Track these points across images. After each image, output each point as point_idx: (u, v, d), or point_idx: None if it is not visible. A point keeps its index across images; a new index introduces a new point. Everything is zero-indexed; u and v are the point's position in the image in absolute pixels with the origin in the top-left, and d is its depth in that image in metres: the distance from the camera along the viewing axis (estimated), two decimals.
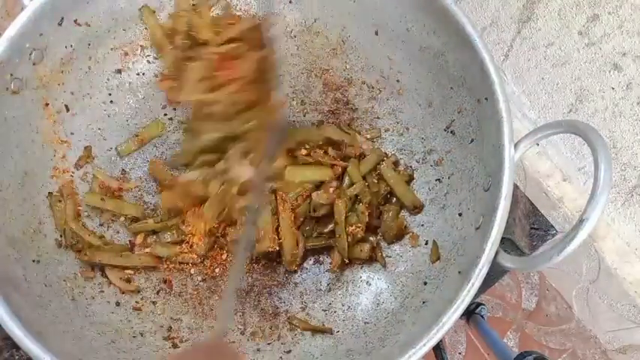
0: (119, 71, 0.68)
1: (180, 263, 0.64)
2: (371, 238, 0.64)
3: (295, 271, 0.64)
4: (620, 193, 0.97)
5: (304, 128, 0.69)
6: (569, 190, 1.06)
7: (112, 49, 0.66)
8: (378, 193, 0.65)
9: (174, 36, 0.59)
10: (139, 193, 0.67)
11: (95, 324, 0.56)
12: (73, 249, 0.60)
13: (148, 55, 0.69)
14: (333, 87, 0.70)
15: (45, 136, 0.62)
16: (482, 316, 0.75)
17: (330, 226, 0.63)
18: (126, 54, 0.68)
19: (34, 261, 0.56)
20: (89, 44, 0.64)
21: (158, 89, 0.69)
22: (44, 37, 0.58)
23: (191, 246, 0.64)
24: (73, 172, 0.64)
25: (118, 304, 0.60)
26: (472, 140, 0.59)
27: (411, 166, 0.67)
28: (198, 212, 0.62)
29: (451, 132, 0.62)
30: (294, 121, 0.70)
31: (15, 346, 0.47)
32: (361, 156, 0.67)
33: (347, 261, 0.63)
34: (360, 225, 0.63)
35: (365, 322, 0.60)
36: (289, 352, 0.59)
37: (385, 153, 0.68)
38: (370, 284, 0.63)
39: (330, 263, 0.64)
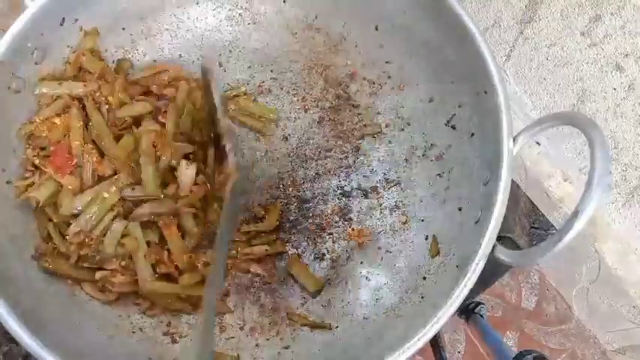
0: None
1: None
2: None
3: None
4: (620, 194, 0.97)
5: None
6: (570, 190, 1.06)
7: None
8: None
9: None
10: None
11: (94, 319, 0.56)
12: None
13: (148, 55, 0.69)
14: (334, 83, 0.70)
15: None
16: (481, 316, 0.75)
17: None
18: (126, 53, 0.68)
19: (33, 257, 0.56)
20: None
21: None
22: (45, 37, 0.59)
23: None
24: None
25: (117, 299, 0.60)
26: (472, 134, 0.59)
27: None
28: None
29: (452, 126, 0.62)
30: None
31: (13, 341, 0.47)
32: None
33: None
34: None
35: (364, 318, 0.60)
36: (288, 347, 0.59)
37: None
38: (370, 279, 0.62)
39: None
